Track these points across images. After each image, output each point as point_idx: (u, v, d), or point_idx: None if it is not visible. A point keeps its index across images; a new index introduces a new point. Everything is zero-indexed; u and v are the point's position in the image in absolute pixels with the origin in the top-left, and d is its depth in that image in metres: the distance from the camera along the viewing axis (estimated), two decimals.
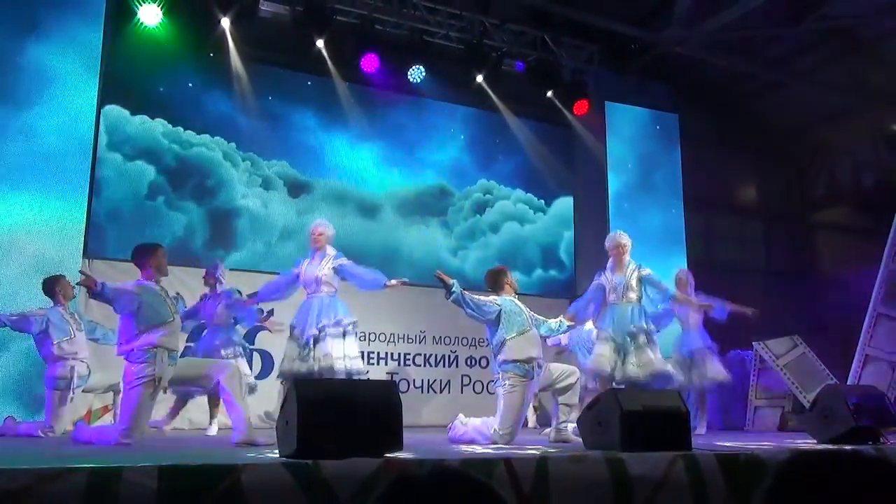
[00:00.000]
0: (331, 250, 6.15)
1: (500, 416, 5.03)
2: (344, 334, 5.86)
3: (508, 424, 4.99)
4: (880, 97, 10.15)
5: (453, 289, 5.17)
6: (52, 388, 5.70)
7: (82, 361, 5.83)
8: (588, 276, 9.74)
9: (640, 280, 6.20)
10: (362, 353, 8.59)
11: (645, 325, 6.05)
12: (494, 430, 4.95)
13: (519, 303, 5.45)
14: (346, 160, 9.48)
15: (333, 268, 6.05)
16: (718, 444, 4.72)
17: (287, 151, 9.21)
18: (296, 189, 9.23)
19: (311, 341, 5.77)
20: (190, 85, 8.61)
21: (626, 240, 6.32)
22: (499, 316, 5.24)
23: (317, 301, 5.95)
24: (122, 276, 7.00)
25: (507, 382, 5.11)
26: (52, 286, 5.94)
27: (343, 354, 5.79)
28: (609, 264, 6.35)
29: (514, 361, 5.13)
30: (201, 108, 8.68)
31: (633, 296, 6.15)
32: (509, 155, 10.36)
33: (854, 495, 1.00)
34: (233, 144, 9.00)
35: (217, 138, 8.87)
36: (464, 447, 4.57)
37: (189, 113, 8.61)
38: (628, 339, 5.99)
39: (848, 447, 4.29)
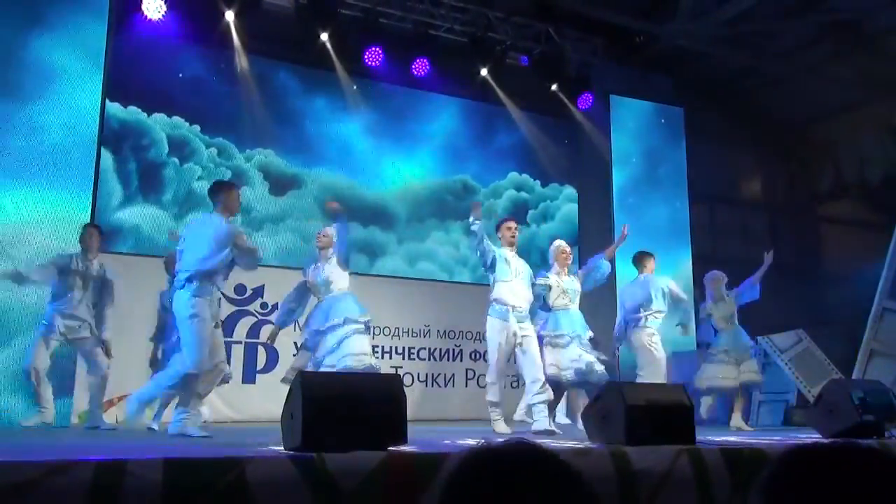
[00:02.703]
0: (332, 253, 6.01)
1: (488, 368, 5.59)
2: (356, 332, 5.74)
3: (492, 373, 5.57)
4: (886, 91, 10.10)
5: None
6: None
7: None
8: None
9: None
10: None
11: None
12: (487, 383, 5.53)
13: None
14: (345, 152, 9.06)
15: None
16: (722, 438, 4.72)
17: (275, 140, 8.63)
18: (282, 184, 8.56)
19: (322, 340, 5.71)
20: (188, 77, 8.40)
21: (569, 248, 6.42)
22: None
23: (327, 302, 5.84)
24: (127, 269, 7.06)
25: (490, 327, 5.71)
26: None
27: (359, 351, 5.67)
28: (554, 269, 6.27)
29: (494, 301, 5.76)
30: (203, 101, 8.44)
31: (576, 302, 6.25)
32: (519, 148, 10.20)
33: (854, 489, 0.99)
34: (196, 127, 8.28)
35: (175, 118, 8.19)
36: (468, 440, 4.57)
37: (189, 106, 8.33)
38: (587, 341, 6.08)
39: (845, 441, 4.29)
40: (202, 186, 8.24)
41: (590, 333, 6.20)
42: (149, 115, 8.16)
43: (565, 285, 6.14)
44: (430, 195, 9.50)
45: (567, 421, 6.78)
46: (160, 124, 8.20)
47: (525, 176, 10.29)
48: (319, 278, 5.88)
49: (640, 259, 7.07)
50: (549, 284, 6.07)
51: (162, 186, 8.16)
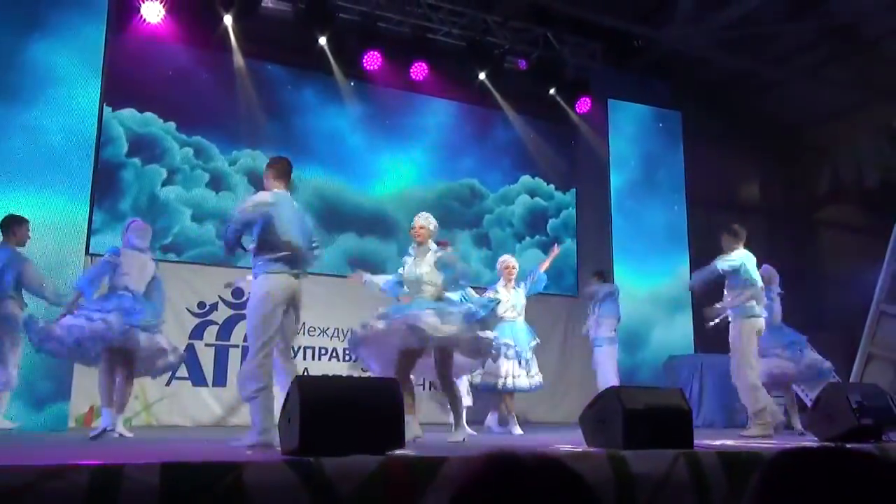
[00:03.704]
0: (432, 244, 5.51)
1: None
2: None
3: None
4: (883, 94, 10.13)
5: None
6: None
7: None
8: (589, 274, 9.78)
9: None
10: None
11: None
12: None
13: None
14: (341, 156, 8.75)
15: (435, 262, 5.37)
16: (720, 442, 4.72)
17: (265, 141, 8.08)
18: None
19: None
20: (174, 73, 8.15)
21: (515, 262, 6.89)
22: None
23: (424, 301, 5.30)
24: None
25: None
26: None
27: None
28: (501, 283, 6.81)
29: None
30: (183, 97, 8.07)
31: (522, 315, 6.74)
32: (527, 151, 10.08)
33: (843, 493, 0.99)
34: (171, 125, 7.63)
35: (147, 114, 7.57)
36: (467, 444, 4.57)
37: (166, 102, 7.90)
38: (529, 352, 6.63)
39: (835, 444, 4.29)
40: (168, 192, 7.69)
41: (535, 341, 6.74)
42: (114, 111, 7.77)
43: (514, 300, 6.67)
44: (435, 201, 9.11)
45: (499, 429, 6.83)
46: (121, 120, 7.65)
47: (538, 180, 10.04)
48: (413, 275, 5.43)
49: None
50: (499, 298, 6.28)
51: (118, 191, 7.60)
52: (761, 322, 6.08)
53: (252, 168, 8.08)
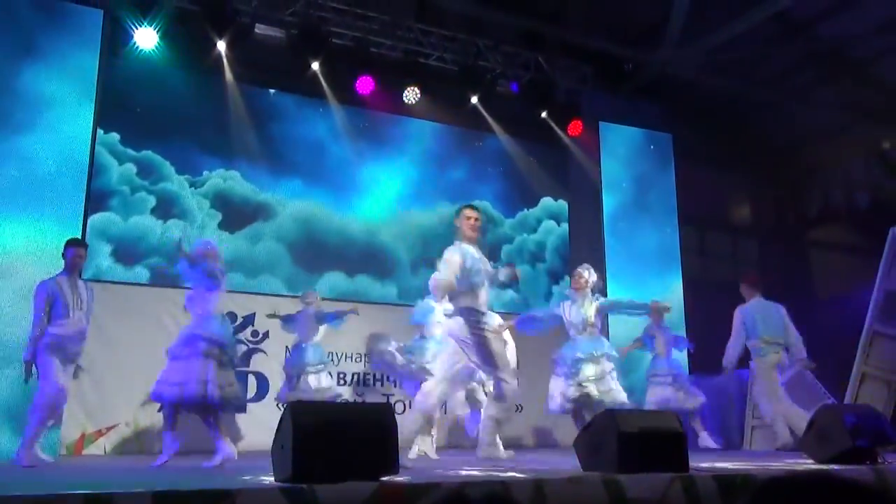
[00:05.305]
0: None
1: None
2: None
3: None
4: (872, 115, 10.23)
5: None
6: None
7: None
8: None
9: (597, 310, 6.51)
10: (360, 374, 8.65)
11: (608, 351, 6.40)
12: None
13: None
14: (331, 182, 8.46)
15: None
16: (716, 464, 4.70)
17: (242, 161, 7.52)
18: (242, 215, 7.13)
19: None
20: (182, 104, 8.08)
21: (589, 275, 6.61)
22: None
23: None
24: (115, 298, 7.04)
25: None
26: None
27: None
28: (571, 296, 6.62)
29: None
30: (154, 116, 7.69)
31: (592, 330, 6.45)
32: (507, 174, 10.13)
33: None
34: (113, 136, 6.57)
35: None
36: (462, 471, 4.54)
37: (110, 107, 7.35)
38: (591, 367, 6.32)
39: (832, 467, 4.28)
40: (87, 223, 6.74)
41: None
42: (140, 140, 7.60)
43: None
44: (440, 227, 8.57)
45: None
46: None
47: (561, 202, 9.67)
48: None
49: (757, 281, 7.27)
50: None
51: None
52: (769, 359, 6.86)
53: (221, 190, 7.35)
